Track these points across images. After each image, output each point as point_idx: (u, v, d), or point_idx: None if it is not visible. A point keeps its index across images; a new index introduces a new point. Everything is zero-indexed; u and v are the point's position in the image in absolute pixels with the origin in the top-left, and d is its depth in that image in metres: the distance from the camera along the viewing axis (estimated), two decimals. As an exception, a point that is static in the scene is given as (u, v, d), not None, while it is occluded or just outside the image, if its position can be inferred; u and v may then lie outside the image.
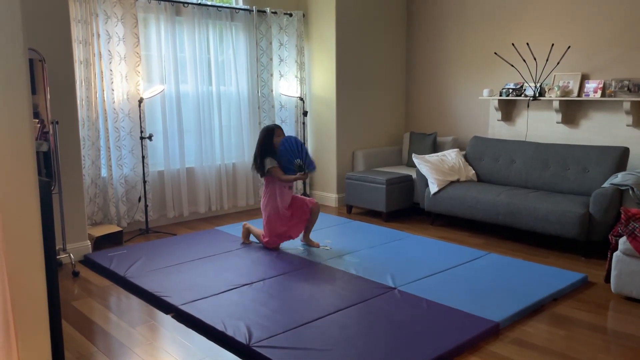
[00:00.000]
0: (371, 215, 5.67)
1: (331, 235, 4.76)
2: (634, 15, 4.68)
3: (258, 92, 5.75)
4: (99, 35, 4.63)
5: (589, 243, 4.26)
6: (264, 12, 5.69)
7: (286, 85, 6.00)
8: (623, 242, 3.35)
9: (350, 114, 6.10)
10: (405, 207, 5.58)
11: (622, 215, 3.42)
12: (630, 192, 4.00)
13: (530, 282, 3.57)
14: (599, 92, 4.81)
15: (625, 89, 4.65)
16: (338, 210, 5.95)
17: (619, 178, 4.14)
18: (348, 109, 6.06)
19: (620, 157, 4.49)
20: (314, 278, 3.71)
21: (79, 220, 4.28)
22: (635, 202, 3.96)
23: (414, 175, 5.49)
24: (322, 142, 6.16)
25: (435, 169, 5.11)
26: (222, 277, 3.72)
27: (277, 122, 5.99)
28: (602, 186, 4.18)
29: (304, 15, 6.08)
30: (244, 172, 5.80)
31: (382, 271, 3.80)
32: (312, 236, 4.55)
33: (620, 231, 3.42)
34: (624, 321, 3.10)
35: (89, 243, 4.37)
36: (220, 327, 2.93)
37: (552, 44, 5.13)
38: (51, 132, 3.80)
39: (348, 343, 2.76)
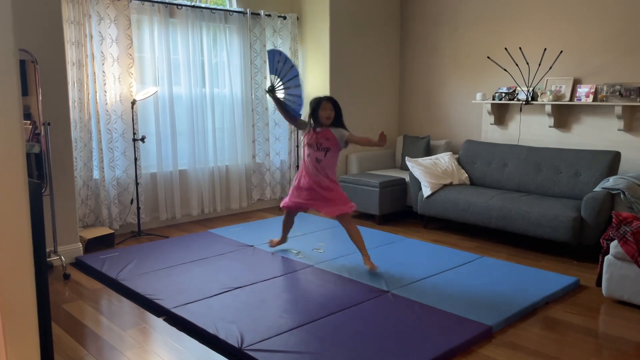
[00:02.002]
0: (364, 218, 5.67)
1: (324, 238, 4.76)
2: (626, 21, 4.72)
3: (252, 94, 5.75)
4: (91, 37, 4.61)
5: (581, 247, 4.27)
6: (258, 14, 5.69)
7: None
8: (614, 245, 3.36)
9: (344, 117, 6.08)
10: (398, 210, 5.59)
11: (614, 219, 3.44)
12: (622, 196, 4.02)
13: (522, 286, 3.58)
14: (591, 96, 4.84)
15: (617, 93, 4.68)
16: (331, 213, 5.94)
17: (610, 182, 4.17)
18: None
19: (611, 161, 4.51)
20: (307, 281, 3.70)
21: (71, 223, 4.25)
22: (627, 206, 3.98)
23: (407, 179, 5.50)
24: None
25: (428, 172, 5.12)
26: (214, 279, 3.70)
27: (271, 125, 5.98)
28: (594, 190, 4.20)
29: (297, 18, 6.08)
30: (237, 174, 5.78)
31: (375, 274, 3.80)
32: (306, 239, 4.54)
33: (611, 235, 3.44)
34: (615, 324, 3.11)
35: (81, 245, 4.34)
36: (212, 330, 2.92)
37: (545, 49, 5.15)
38: (43, 133, 3.78)
39: (340, 347, 2.75)
